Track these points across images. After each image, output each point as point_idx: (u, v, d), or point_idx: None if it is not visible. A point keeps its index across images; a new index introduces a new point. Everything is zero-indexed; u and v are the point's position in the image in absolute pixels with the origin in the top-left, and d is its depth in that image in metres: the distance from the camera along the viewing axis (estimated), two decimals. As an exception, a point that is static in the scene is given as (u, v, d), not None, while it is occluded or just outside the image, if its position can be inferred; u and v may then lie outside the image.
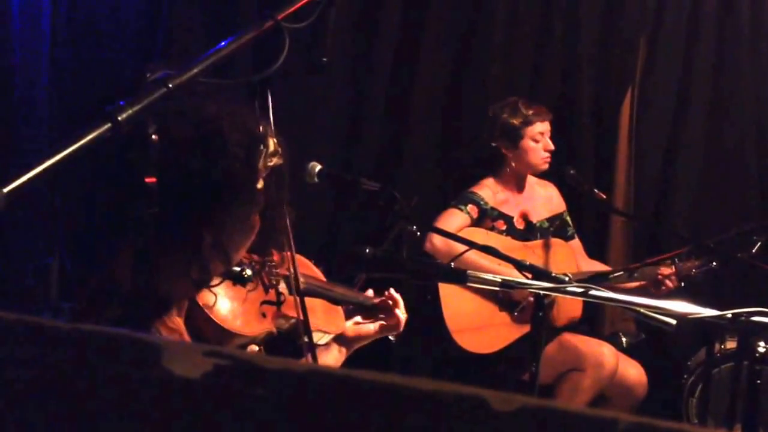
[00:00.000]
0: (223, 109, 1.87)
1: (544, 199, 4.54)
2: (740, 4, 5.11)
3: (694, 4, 5.14)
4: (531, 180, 4.51)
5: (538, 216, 4.47)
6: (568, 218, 4.59)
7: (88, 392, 0.88)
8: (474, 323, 4.20)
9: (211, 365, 0.84)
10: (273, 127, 1.95)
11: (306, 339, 2.14)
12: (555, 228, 4.51)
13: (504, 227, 4.37)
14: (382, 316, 2.51)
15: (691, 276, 4.15)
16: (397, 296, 2.52)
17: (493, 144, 4.38)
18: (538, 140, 4.32)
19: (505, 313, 4.26)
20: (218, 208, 1.86)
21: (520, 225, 4.41)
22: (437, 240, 4.14)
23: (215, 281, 2.00)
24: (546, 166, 4.38)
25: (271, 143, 1.94)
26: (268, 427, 0.83)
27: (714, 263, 4.04)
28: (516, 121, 4.32)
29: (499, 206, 4.38)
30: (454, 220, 4.27)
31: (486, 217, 4.35)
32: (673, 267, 4.16)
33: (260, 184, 1.92)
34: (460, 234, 4.15)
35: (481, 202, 4.35)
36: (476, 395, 0.82)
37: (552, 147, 4.34)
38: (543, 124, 4.33)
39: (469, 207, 4.32)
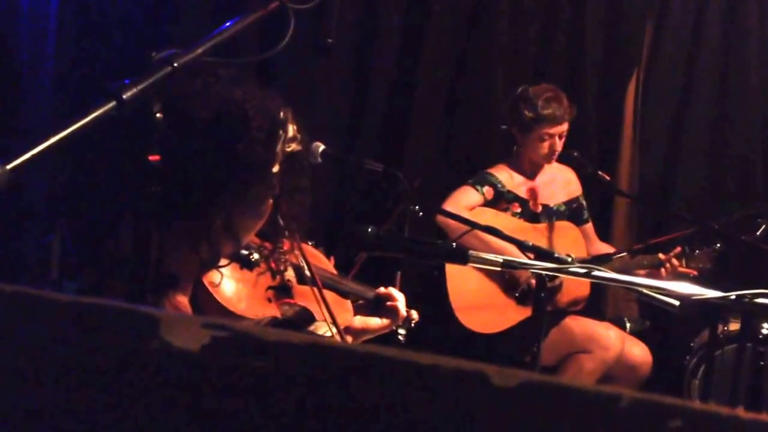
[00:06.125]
0: (248, 94, 1.89)
1: (562, 183, 4.51)
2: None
3: (700, -13, 5.12)
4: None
5: (555, 200, 4.45)
6: (584, 201, 4.57)
7: (86, 364, 0.88)
8: (478, 302, 4.19)
9: (209, 337, 0.84)
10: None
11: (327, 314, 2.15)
12: (572, 211, 4.49)
13: (519, 209, 4.36)
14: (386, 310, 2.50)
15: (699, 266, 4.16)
16: (393, 291, 2.51)
17: (506, 126, 4.37)
18: (545, 140, 4.29)
19: (509, 295, 4.26)
20: (232, 188, 1.88)
21: (536, 208, 4.39)
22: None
23: (223, 262, 2.01)
24: (550, 162, 4.37)
25: (291, 129, 1.96)
26: (267, 399, 0.83)
27: (718, 245, 4.04)
28: (529, 116, 4.27)
29: (515, 189, 4.37)
30: (467, 197, 4.27)
31: (502, 199, 4.34)
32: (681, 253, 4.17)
33: (276, 169, 1.94)
34: (470, 213, 4.16)
35: (498, 185, 4.34)
36: (477, 370, 0.82)
37: (558, 149, 4.30)
38: (554, 128, 4.27)
39: (486, 188, 4.31)
